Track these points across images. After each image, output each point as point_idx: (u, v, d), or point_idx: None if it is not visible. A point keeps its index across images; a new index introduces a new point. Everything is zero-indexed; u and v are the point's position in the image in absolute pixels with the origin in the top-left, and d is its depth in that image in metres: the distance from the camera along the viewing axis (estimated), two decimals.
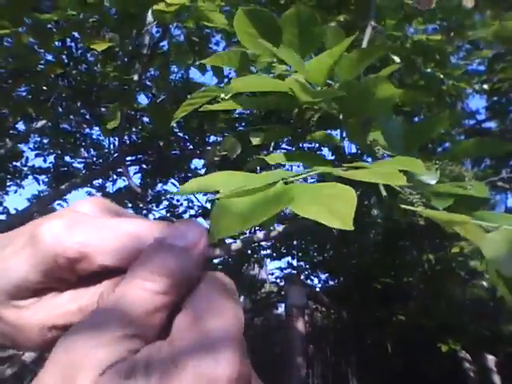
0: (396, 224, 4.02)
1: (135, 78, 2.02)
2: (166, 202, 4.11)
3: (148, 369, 0.18)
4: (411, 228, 3.70)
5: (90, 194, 4.37)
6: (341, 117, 0.59)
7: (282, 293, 5.07)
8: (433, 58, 1.84)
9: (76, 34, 2.38)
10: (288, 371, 3.20)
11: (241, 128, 2.51)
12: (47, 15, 1.50)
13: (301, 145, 2.55)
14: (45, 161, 3.98)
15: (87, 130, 3.76)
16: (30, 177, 4.07)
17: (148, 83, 2.72)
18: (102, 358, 0.18)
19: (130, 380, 0.18)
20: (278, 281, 5.53)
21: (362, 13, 1.48)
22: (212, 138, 2.99)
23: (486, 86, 2.76)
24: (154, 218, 3.75)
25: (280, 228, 2.89)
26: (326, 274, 5.59)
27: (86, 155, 3.97)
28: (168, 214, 4.06)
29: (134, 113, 2.90)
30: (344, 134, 0.63)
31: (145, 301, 0.21)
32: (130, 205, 4.09)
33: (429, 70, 1.87)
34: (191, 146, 3.12)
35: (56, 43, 1.98)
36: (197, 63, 1.85)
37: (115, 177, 3.91)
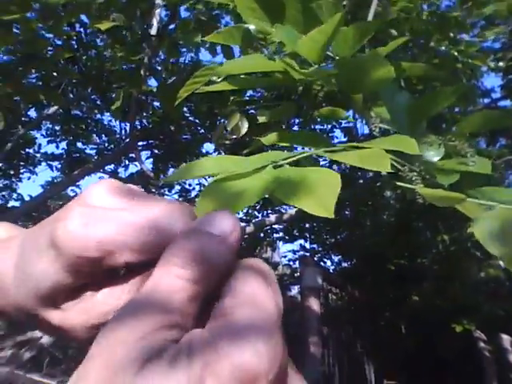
0: (409, 205, 3.99)
1: (145, 60, 2.01)
2: (178, 187, 4.13)
3: (190, 357, 0.18)
4: (425, 209, 3.67)
5: (102, 179, 4.40)
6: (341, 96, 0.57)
7: (295, 275, 5.10)
8: (447, 36, 1.80)
9: (85, 20, 2.37)
10: (304, 351, 3.23)
11: (252, 111, 2.50)
12: None
13: (312, 127, 2.53)
14: (57, 147, 4.02)
15: (98, 116, 3.78)
16: (43, 163, 4.11)
17: (158, 67, 2.71)
18: (144, 348, 0.18)
19: (174, 368, 0.18)
20: (291, 263, 5.56)
21: None
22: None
23: (501, 64, 2.70)
24: None
25: (292, 211, 2.89)
26: (339, 256, 5.60)
27: (98, 141, 3.99)
28: (180, 199, 4.08)
29: (145, 97, 2.89)
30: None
31: (182, 289, 0.20)
32: (142, 190, 4.11)
33: (443, 48, 1.83)
34: (202, 130, 3.12)
35: (65, 28, 1.98)
36: (207, 45, 1.83)
37: (127, 162, 3.93)
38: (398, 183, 0.48)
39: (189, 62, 2.78)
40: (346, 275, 5.08)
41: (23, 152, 3.92)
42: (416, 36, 1.59)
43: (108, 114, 3.54)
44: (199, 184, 4.09)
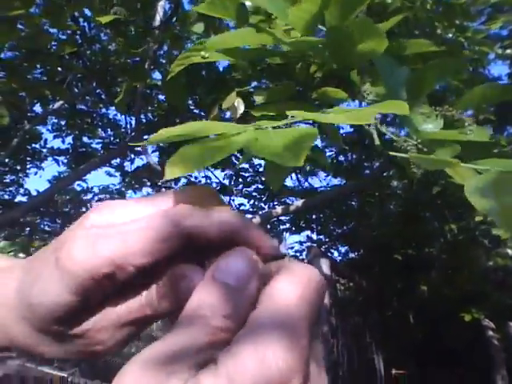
0: (416, 195, 3.97)
1: (150, 53, 2.01)
2: (184, 180, 4.13)
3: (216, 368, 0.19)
4: (432, 198, 3.65)
5: (108, 173, 4.41)
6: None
7: None
8: (452, 24, 1.78)
9: (89, 14, 2.36)
10: None
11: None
12: None
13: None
14: (63, 142, 4.03)
15: (104, 110, 3.78)
16: (50, 158, 4.13)
17: (162, 60, 2.70)
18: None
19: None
20: (298, 254, 5.56)
21: None
22: (228, 115, 2.97)
23: (509, 51, 2.67)
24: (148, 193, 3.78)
25: (299, 202, 2.89)
26: (346, 247, 5.59)
27: (104, 135, 3.99)
28: None
29: (150, 91, 2.89)
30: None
31: (210, 334, 0.21)
32: (148, 183, 4.13)
33: (450, 35, 1.80)
34: None
35: (69, 23, 1.97)
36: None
37: (133, 156, 3.94)
38: (392, 153, 0.47)
39: None
40: (353, 266, 5.07)
41: (29, 147, 3.93)
42: (421, 23, 1.57)
43: (113, 108, 3.54)
44: (205, 176, 4.09)
